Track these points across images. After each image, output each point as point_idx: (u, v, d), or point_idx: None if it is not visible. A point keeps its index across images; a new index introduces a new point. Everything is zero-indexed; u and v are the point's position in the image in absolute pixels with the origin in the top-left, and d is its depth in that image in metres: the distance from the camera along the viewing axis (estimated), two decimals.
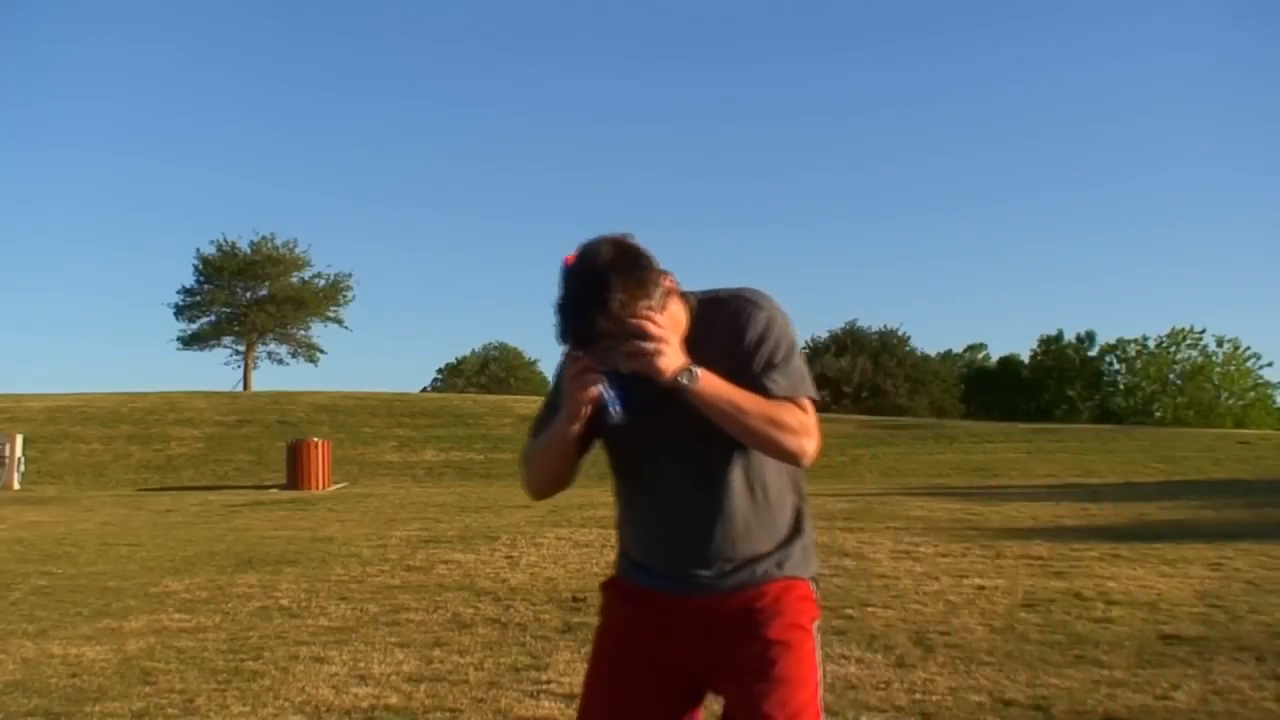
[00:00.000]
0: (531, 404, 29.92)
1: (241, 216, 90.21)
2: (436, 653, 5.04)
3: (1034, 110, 79.67)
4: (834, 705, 4.05)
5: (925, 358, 50.52)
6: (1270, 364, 51.67)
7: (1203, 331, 48.61)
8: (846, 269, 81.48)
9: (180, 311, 49.38)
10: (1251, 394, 48.55)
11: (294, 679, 4.60)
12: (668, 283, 1.76)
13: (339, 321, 50.66)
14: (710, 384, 1.72)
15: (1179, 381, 48.72)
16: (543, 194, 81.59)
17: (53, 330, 75.99)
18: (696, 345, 1.77)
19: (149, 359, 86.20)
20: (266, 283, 49.51)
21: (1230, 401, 48.28)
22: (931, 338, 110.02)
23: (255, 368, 49.86)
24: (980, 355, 57.91)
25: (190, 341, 49.62)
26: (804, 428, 1.78)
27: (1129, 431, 28.39)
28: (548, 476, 1.91)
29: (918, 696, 4.14)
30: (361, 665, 4.83)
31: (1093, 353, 50.96)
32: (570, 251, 1.74)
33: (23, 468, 20.67)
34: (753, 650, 1.83)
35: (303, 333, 50.98)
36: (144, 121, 71.59)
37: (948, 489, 15.05)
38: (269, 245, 49.55)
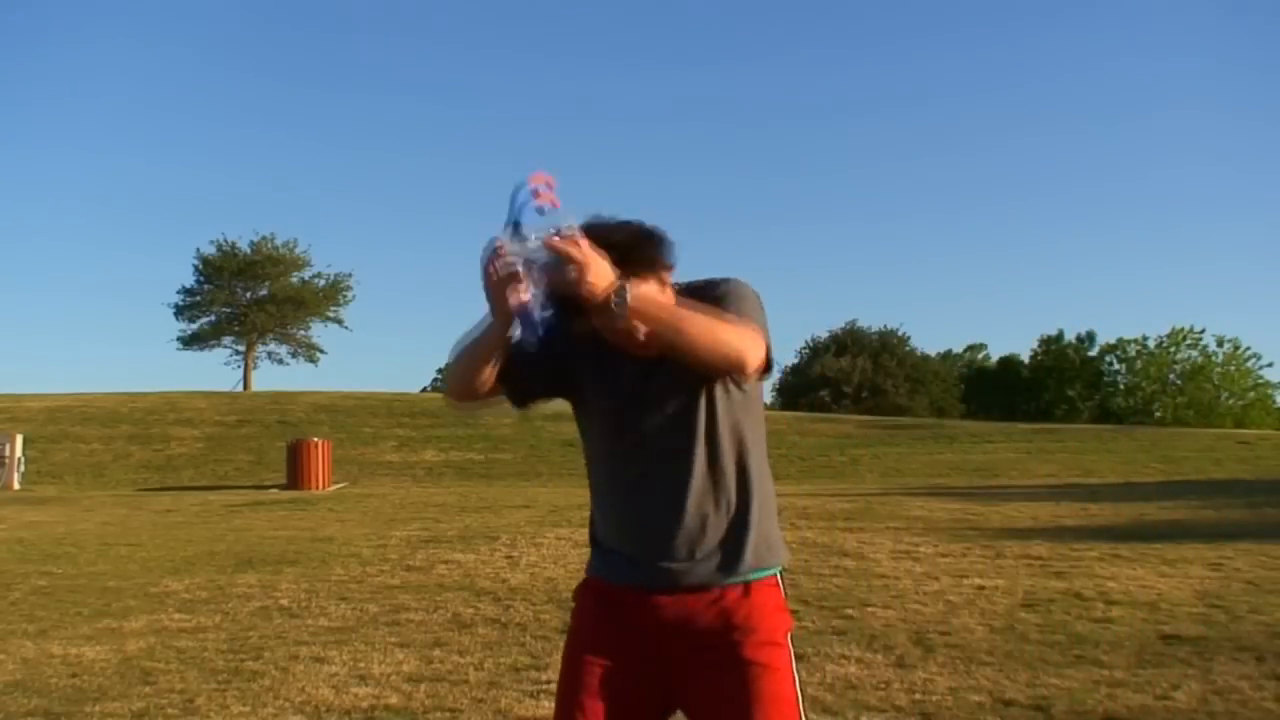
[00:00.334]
0: None
1: (241, 216, 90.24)
2: (436, 653, 5.05)
3: (1034, 111, 79.75)
4: (834, 705, 4.05)
5: (925, 358, 50.51)
6: (1270, 364, 51.72)
7: (1203, 331, 48.70)
8: (846, 269, 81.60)
9: (180, 311, 49.44)
10: (1251, 394, 48.55)
11: (294, 679, 4.61)
12: (666, 276, 1.80)
13: (339, 321, 50.72)
14: (644, 296, 1.68)
15: (1179, 381, 48.73)
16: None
17: (53, 330, 76.09)
18: None
19: (149, 359, 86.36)
20: (266, 283, 49.50)
21: (1230, 401, 48.28)
22: (931, 338, 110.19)
23: (255, 368, 49.91)
24: (980, 355, 57.94)
25: (190, 341, 49.63)
26: (747, 335, 1.74)
27: (1129, 431, 28.40)
28: (468, 376, 1.85)
29: (918, 696, 4.14)
30: (361, 665, 4.83)
31: (1093, 353, 50.99)
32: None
33: (23, 468, 20.67)
34: (729, 678, 1.82)
35: (303, 333, 51.01)
36: (144, 122, 71.66)
37: (948, 489, 15.06)
38: (269, 245, 49.55)
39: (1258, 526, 9.37)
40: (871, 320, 52.00)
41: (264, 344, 50.55)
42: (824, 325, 49.63)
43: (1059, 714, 3.91)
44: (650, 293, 1.71)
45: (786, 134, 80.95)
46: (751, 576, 1.89)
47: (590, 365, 1.89)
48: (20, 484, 20.11)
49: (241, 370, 49.62)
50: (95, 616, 6.17)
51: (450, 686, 4.44)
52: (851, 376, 45.82)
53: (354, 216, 76.44)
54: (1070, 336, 51.12)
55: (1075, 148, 78.81)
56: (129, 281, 77.83)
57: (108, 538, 10.24)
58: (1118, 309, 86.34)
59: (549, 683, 4.43)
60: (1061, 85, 78.63)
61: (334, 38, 74.76)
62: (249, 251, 49.21)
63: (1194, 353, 48.83)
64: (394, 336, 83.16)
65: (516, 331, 1.71)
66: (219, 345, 50.19)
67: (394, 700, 4.25)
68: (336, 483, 19.37)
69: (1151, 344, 49.43)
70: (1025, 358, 52.41)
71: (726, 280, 1.87)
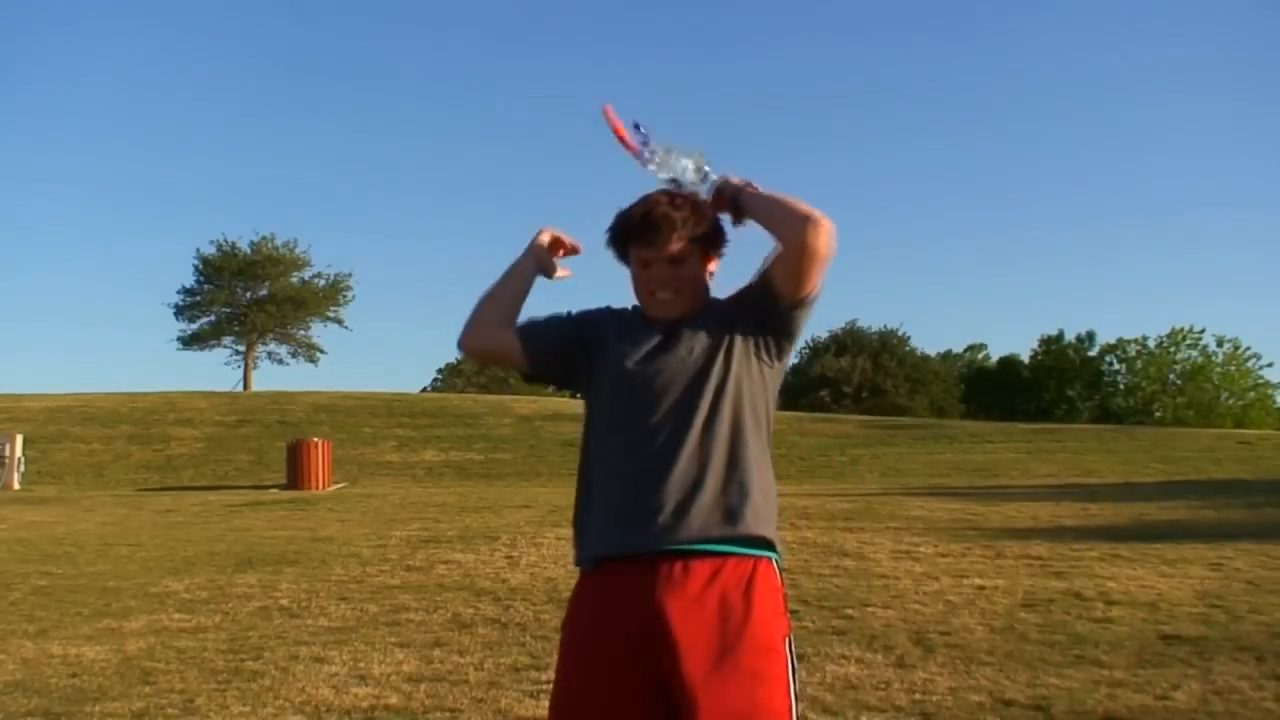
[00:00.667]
0: (532, 404, 29.95)
1: (242, 216, 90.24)
2: (436, 653, 5.05)
3: (1034, 111, 79.75)
4: (834, 705, 4.05)
5: (925, 358, 50.51)
6: (1270, 364, 51.62)
7: (1203, 331, 48.67)
8: (846, 269, 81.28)
9: (180, 311, 49.44)
10: (1251, 394, 48.53)
11: (294, 679, 4.60)
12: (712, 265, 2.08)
13: (339, 321, 50.73)
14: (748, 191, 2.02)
15: (1179, 381, 48.72)
16: (543, 193, 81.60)
17: (53, 330, 76.11)
18: (705, 314, 2.02)
19: (149, 359, 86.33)
20: (266, 283, 49.51)
21: (1230, 401, 48.27)
22: (931, 338, 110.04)
23: (255, 368, 49.91)
24: (980, 355, 57.89)
25: (190, 341, 49.63)
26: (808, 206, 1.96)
27: (1129, 431, 28.39)
28: (494, 309, 2.09)
29: (918, 696, 4.14)
30: (361, 665, 4.83)
31: (1093, 353, 50.96)
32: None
33: (23, 468, 20.67)
34: (722, 687, 1.81)
35: (303, 333, 51.01)
36: (144, 121, 71.68)
37: (948, 489, 15.05)
38: (269, 245, 49.56)
39: (1258, 526, 9.36)
40: (871, 320, 52.03)
41: (264, 344, 50.58)
42: (824, 325, 49.52)
43: (1059, 714, 3.91)
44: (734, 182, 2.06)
45: (786, 134, 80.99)
46: (749, 550, 1.89)
47: (613, 330, 2.03)
48: (20, 484, 20.11)
49: (241, 370, 49.69)
50: (95, 616, 6.17)
51: (450, 686, 4.44)
52: (851, 376, 45.83)
53: (354, 216, 76.52)
54: (1070, 336, 51.14)
55: (1075, 148, 78.97)
56: (129, 281, 77.92)
57: (108, 538, 10.24)
58: (1118, 309, 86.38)
59: (549, 683, 4.42)
60: (1062, 85, 78.73)
61: (334, 38, 74.87)
62: (249, 251, 49.23)
63: (1194, 353, 48.85)
64: (394, 337, 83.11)
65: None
66: (219, 345, 50.25)
67: (394, 700, 4.25)
68: (336, 483, 19.37)
69: (1151, 344, 49.46)
70: (1025, 358, 52.39)
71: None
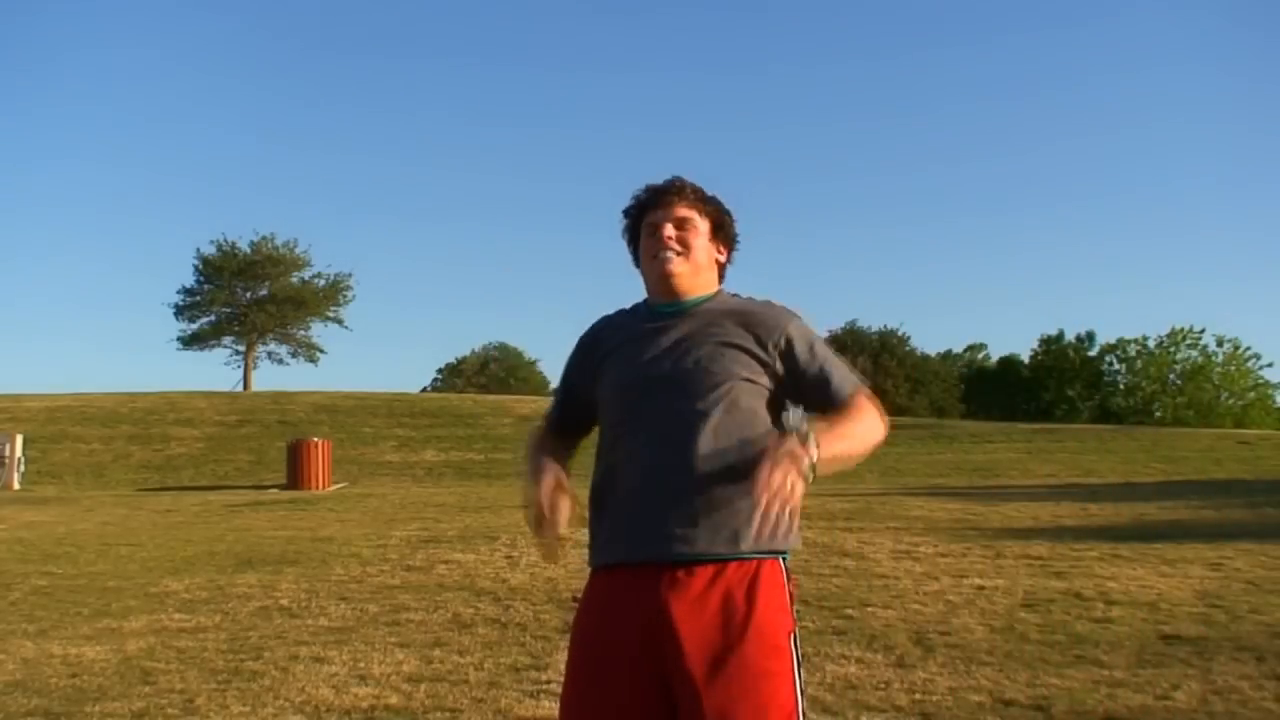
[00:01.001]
0: (531, 404, 29.95)
1: (241, 217, 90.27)
2: (436, 653, 5.05)
3: (1034, 111, 79.75)
4: (834, 705, 4.05)
5: (925, 358, 50.52)
6: (1270, 364, 51.54)
7: (1203, 331, 48.63)
8: (846, 269, 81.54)
9: (180, 311, 49.42)
10: (1251, 394, 48.50)
11: (294, 679, 4.61)
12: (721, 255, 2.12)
13: (339, 321, 50.71)
14: (825, 460, 1.87)
15: (1179, 381, 48.69)
16: (543, 193, 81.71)
17: (53, 330, 75.99)
18: (710, 310, 2.03)
19: (149, 359, 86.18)
20: (266, 283, 49.50)
21: (1230, 401, 48.24)
22: (931, 338, 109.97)
23: (255, 368, 49.89)
24: (980, 355, 57.87)
25: (190, 341, 49.62)
26: (872, 411, 1.98)
27: (1129, 431, 28.39)
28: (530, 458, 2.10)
29: (918, 696, 4.14)
30: (361, 665, 4.83)
31: (1093, 353, 50.93)
32: None
33: (23, 468, 20.67)
34: (728, 684, 1.81)
35: (303, 333, 50.99)
36: (144, 122, 71.64)
37: (947, 489, 15.05)
38: (269, 245, 49.54)
39: (1258, 526, 9.36)
40: (871, 320, 52.10)
41: (264, 344, 50.56)
42: (824, 325, 49.57)
43: (1059, 714, 3.91)
44: (826, 454, 1.87)
45: (786, 134, 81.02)
46: (753, 554, 1.89)
47: (621, 340, 2.04)
48: (20, 484, 20.11)
49: (241, 370, 49.66)
50: (95, 616, 6.17)
51: (450, 686, 4.44)
52: None
53: (354, 216, 76.51)
54: (1070, 336, 51.10)
55: (1076, 148, 78.89)
56: (129, 282, 77.81)
57: (108, 538, 10.24)
58: (1118, 309, 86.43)
59: (549, 683, 4.43)
60: (1062, 86, 78.66)
61: (334, 38, 74.83)
62: (249, 251, 49.21)
63: (1194, 353, 48.81)
64: (394, 336, 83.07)
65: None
66: (219, 345, 50.23)
67: (394, 700, 4.25)
68: (336, 483, 19.37)
69: (1151, 344, 49.41)
70: (1025, 358, 52.35)
71: (785, 316, 2.04)
